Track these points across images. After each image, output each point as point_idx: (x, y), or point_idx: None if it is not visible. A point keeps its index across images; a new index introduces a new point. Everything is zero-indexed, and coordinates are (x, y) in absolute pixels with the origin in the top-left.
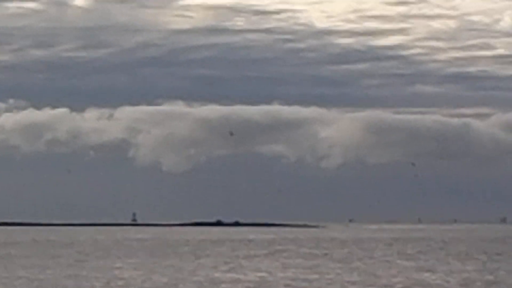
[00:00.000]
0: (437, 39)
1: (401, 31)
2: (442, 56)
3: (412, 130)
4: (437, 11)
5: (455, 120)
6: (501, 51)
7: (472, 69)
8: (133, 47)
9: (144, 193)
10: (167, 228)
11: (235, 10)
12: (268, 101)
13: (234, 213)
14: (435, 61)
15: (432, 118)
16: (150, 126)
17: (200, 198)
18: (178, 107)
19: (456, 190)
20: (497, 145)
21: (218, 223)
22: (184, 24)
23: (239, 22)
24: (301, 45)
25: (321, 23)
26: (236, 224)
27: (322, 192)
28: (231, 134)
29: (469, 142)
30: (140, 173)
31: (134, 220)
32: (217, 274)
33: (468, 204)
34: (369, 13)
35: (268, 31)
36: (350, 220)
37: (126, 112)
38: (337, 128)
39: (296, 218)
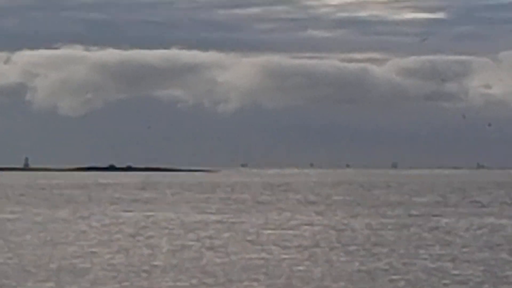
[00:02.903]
0: None
1: None
2: (333, 1)
3: (310, 75)
4: None
5: (352, 65)
6: None
7: (363, 13)
8: None
9: (39, 137)
10: (58, 173)
11: None
12: (167, 46)
13: (128, 158)
14: (326, 5)
15: (330, 63)
16: (47, 70)
17: (94, 143)
18: (76, 51)
19: (351, 135)
20: (393, 91)
21: (111, 168)
22: None
23: None
24: None
25: None
26: (129, 168)
27: (217, 137)
28: None
29: (367, 87)
30: (36, 117)
31: (26, 164)
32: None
33: (361, 149)
34: None
35: None
36: (243, 165)
37: (24, 56)
38: (235, 73)
39: (190, 162)
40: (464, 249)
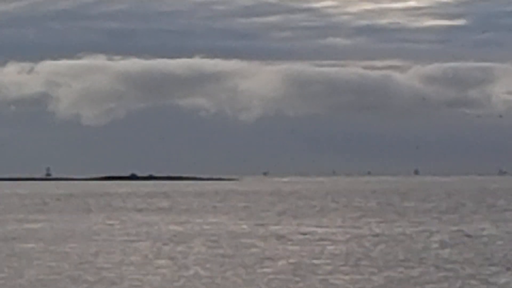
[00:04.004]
0: None
1: None
2: (353, 9)
3: (332, 83)
4: None
5: (374, 73)
6: (412, 3)
7: (382, 21)
8: (43, 1)
9: (61, 147)
10: (79, 182)
11: None
12: (189, 55)
13: (150, 167)
14: (345, 13)
15: (351, 70)
16: (70, 80)
17: (116, 152)
18: (99, 60)
19: (373, 142)
20: (415, 98)
21: (132, 177)
22: None
23: None
24: None
25: None
26: (150, 177)
27: (239, 145)
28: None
29: (389, 94)
30: (59, 127)
31: (48, 174)
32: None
33: (383, 156)
34: None
35: None
36: (265, 173)
37: (47, 66)
38: (257, 81)
39: (212, 171)
40: (496, 254)
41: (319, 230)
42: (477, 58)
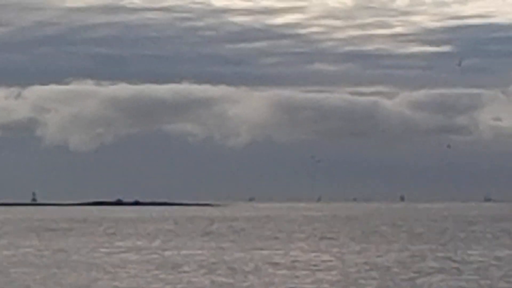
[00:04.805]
0: (334, 17)
1: (298, 10)
2: (340, 35)
3: (320, 109)
4: None
5: (363, 99)
6: (398, 30)
7: (369, 47)
8: (31, 26)
9: (49, 172)
10: (66, 208)
11: None
12: (178, 80)
13: (136, 192)
14: (331, 39)
15: (339, 96)
16: (58, 105)
17: (103, 177)
18: (87, 86)
19: (360, 168)
20: (403, 124)
21: (118, 203)
22: (80, 2)
23: (136, 0)
24: (199, 24)
25: (218, 1)
26: (136, 203)
27: (227, 171)
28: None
29: (377, 120)
30: (47, 152)
31: (34, 199)
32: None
33: (370, 183)
34: None
35: (165, 9)
36: (251, 199)
37: (35, 91)
38: (245, 107)
39: (199, 197)
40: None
41: (308, 256)
42: (465, 85)
